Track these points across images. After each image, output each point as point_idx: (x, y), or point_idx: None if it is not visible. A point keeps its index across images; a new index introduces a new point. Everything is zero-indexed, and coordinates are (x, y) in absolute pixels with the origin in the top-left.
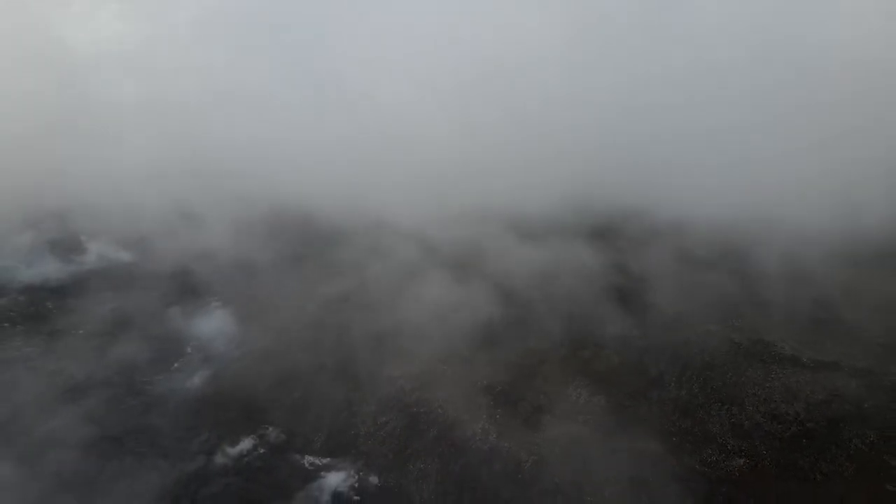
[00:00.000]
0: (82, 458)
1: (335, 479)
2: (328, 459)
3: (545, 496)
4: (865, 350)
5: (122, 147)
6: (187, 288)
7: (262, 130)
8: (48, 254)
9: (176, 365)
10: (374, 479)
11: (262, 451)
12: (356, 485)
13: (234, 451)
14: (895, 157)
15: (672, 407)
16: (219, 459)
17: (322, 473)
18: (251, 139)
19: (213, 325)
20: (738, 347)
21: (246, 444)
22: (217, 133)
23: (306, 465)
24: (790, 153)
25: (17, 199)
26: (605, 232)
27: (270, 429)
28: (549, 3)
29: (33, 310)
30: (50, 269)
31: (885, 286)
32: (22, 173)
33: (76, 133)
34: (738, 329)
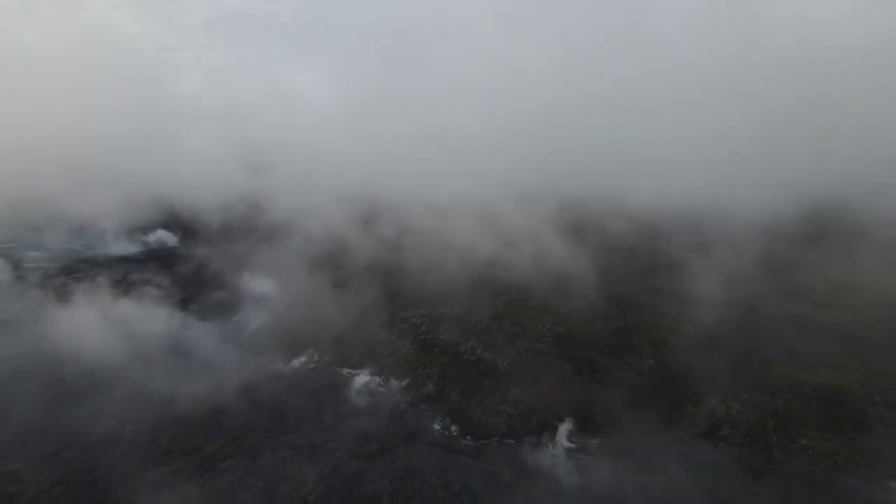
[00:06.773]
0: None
1: (365, 378)
2: (359, 370)
3: (512, 383)
4: (752, 293)
5: (197, 148)
6: (233, 264)
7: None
8: (124, 237)
9: (235, 318)
10: (393, 379)
11: (311, 365)
12: (381, 381)
13: (292, 364)
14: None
15: (611, 333)
16: (284, 368)
17: (356, 377)
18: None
19: (261, 289)
20: (663, 293)
21: (300, 360)
22: (273, 136)
23: (344, 373)
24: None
25: (105, 192)
26: (575, 211)
27: (315, 353)
28: (546, 37)
29: (112, 279)
30: (120, 249)
31: (776, 249)
32: (109, 171)
33: (156, 136)
34: (668, 282)
